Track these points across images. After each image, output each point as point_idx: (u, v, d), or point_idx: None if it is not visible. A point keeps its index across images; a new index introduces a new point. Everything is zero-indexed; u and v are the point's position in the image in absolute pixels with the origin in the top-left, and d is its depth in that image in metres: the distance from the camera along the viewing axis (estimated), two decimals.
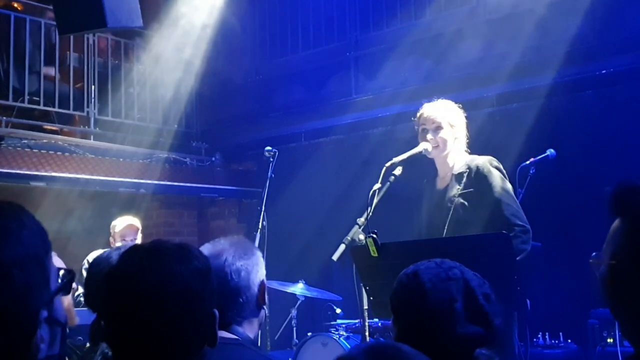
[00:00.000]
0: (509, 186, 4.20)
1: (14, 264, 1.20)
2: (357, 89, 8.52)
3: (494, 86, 7.09)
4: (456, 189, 4.23)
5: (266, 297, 2.69)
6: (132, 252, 1.89)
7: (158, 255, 1.83)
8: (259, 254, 2.70)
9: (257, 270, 2.63)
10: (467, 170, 4.24)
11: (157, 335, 1.77)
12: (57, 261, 3.56)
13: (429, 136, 4.32)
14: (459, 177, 4.27)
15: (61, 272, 1.41)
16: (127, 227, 6.26)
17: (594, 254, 1.68)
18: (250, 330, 2.59)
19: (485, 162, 4.23)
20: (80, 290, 5.21)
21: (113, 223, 6.41)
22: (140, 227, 6.32)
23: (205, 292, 1.83)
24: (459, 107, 4.46)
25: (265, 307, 2.68)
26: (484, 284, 2.15)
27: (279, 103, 9.29)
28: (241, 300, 2.55)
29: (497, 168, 4.22)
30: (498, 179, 4.16)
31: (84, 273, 5.19)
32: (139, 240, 6.04)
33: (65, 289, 1.38)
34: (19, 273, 1.20)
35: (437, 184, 4.46)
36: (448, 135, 4.32)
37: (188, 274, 1.80)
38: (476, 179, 4.19)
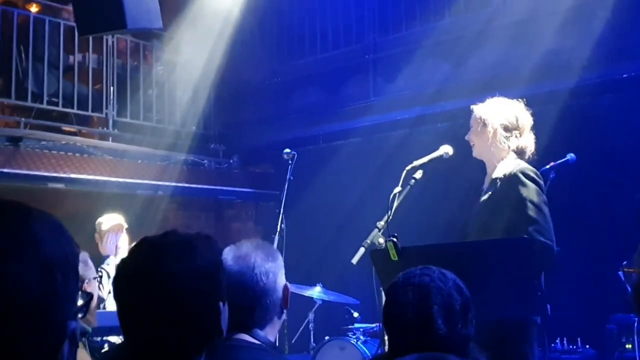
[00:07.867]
0: (540, 199, 3.89)
1: (57, 266, 1.15)
2: (376, 92, 8.49)
3: (514, 89, 6.98)
4: (488, 195, 4.07)
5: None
6: (139, 247, 1.93)
7: (160, 253, 1.86)
8: (281, 257, 2.71)
9: (281, 273, 2.64)
10: (502, 177, 4.00)
11: (155, 331, 1.81)
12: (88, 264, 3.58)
13: (468, 135, 4.26)
14: (493, 182, 4.07)
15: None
16: (114, 226, 6.29)
17: (624, 262, 1.65)
18: (271, 333, 2.61)
19: (518, 172, 3.96)
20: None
21: (99, 220, 6.40)
22: (126, 226, 6.34)
23: (207, 288, 1.86)
24: (522, 106, 4.23)
25: (285, 311, 2.69)
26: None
27: (297, 105, 9.27)
28: (267, 302, 2.56)
29: (532, 179, 3.94)
30: (529, 192, 3.89)
31: None
32: (123, 238, 6.07)
33: (85, 308, 1.33)
34: (60, 277, 1.15)
35: (485, 181, 4.27)
36: (477, 136, 4.19)
37: (188, 272, 1.83)
38: (507, 188, 3.95)
